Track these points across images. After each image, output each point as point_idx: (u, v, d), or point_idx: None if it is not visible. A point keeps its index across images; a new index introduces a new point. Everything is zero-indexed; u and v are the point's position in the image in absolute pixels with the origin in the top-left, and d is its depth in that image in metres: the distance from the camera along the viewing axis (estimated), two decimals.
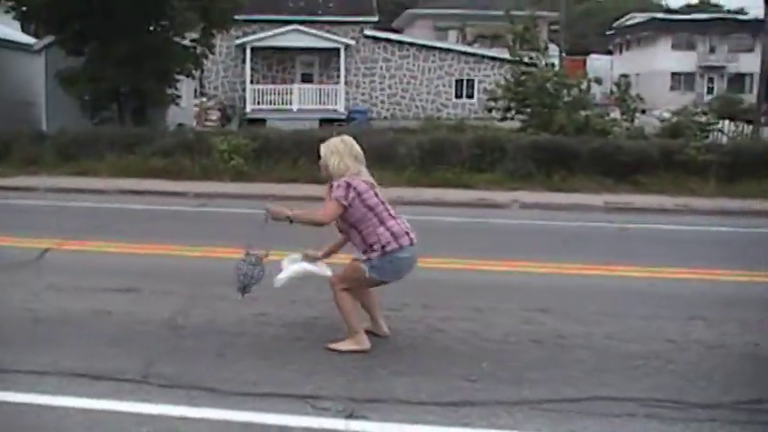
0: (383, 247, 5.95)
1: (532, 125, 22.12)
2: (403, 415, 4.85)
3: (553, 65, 25.54)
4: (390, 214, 6.12)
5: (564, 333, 6.74)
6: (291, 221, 6.04)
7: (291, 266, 6.51)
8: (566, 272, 9.35)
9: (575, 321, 7.12)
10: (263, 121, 34.88)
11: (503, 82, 25.30)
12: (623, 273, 9.34)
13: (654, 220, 14.28)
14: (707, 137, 21.56)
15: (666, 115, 23.47)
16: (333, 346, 6.09)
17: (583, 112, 22.02)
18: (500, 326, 6.91)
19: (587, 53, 75.81)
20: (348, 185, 5.97)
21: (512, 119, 24.04)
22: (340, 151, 6.18)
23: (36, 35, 33.87)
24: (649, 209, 15.58)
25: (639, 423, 4.85)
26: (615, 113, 23.84)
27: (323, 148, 6.26)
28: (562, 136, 20.04)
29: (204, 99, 38.55)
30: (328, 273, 6.44)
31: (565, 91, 22.32)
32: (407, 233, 6.09)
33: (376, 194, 6.11)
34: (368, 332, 6.27)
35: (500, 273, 9.25)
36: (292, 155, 18.76)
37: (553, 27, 48.79)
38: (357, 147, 6.26)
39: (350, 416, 4.80)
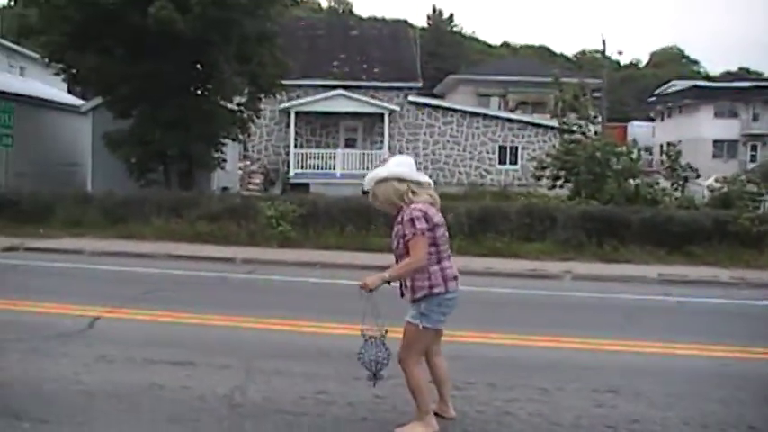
0: (431, 287, 5.69)
1: (581, 194, 21.83)
2: None
3: (596, 132, 25.38)
4: (448, 254, 5.89)
5: (638, 417, 6.44)
6: (390, 282, 5.72)
7: None
8: (630, 349, 9.00)
9: (647, 404, 6.80)
10: (306, 185, 34.90)
11: (551, 150, 25.16)
12: (690, 351, 8.98)
13: (710, 294, 13.88)
14: (758, 207, 21.19)
15: (716, 185, 23.10)
16: (401, 430, 5.79)
17: (632, 181, 21.78)
18: (570, 409, 6.60)
19: (627, 120, 75.88)
20: (425, 215, 5.70)
21: (561, 187, 23.80)
22: (391, 175, 5.91)
23: (83, 97, 34.38)
24: (705, 281, 15.20)
25: None
26: (661, 181, 23.54)
27: (373, 181, 5.97)
28: (612, 205, 19.78)
29: (248, 162, 38.70)
30: None
31: (614, 159, 22.09)
32: (455, 277, 5.88)
33: (444, 228, 5.90)
34: (435, 414, 5.98)
35: (562, 350, 8.94)
36: (339, 222, 18.68)
37: (594, 94, 48.78)
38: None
39: None
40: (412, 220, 5.64)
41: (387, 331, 5.80)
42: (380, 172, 5.93)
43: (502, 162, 41.40)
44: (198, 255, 16.68)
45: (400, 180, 5.82)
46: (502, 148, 41.45)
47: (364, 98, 39.05)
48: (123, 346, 8.28)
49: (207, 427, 5.87)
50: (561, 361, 8.41)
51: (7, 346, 8.15)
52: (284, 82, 28.27)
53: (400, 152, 40.01)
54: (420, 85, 42.07)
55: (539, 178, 24.85)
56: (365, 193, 6.06)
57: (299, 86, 38.40)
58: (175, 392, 6.75)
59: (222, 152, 26.26)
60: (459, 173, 40.89)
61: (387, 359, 5.78)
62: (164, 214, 19.90)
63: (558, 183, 23.80)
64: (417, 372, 5.84)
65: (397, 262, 5.84)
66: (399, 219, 5.80)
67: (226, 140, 26.30)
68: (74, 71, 24.41)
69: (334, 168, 37.39)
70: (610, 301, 12.90)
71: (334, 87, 39.16)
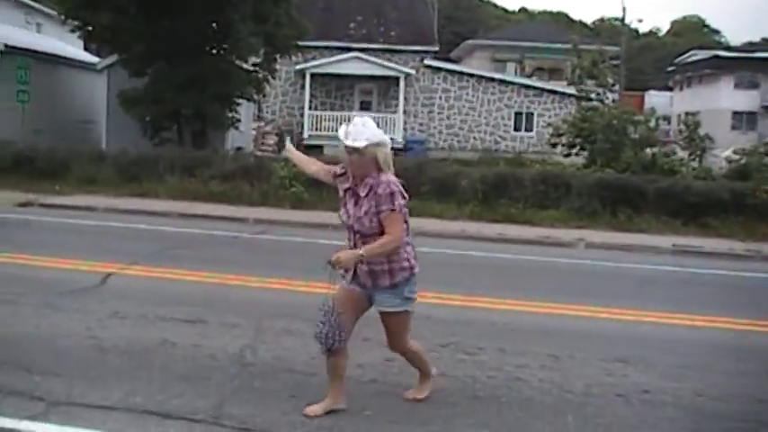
0: (411, 268, 5.28)
1: (597, 162, 21.68)
2: None
3: (614, 101, 25.21)
4: None
5: (649, 387, 6.39)
6: (363, 261, 5.20)
7: None
8: (642, 319, 8.95)
9: (659, 375, 6.77)
10: (320, 147, 34.79)
11: (567, 117, 24.98)
12: (703, 323, 8.93)
13: (725, 266, 13.75)
14: None
15: (734, 156, 22.90)
16: (411, 395, 5.78)
17: (649, 150, 21.62)
18: (581, 377, 6.58)
19: (645, 89, 75.23)
20: (400, 190, 5.13)
21: (576, 155, 23.66)
22: (386, 141, 5.19)
23: (98, 54, 34.30)
24: (719, 253, 15.07)
25: None
26: (678, 151, 23.35)
27: (361, 134, 5.06)
28: (628, 174, 19.63)
29: (262, 123, 38.61)
30: None
31: (632, 128, 21.92)
32: None
33: None
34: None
35: (573, 317, 8.89)
36: None
37: (613, 62, 48.36)
38: None
39: None
40: (392, 194, 5.07)
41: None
42: (377, 133, 5.10)
43: (517, 128, 41.14)
44: (210, 214, 16.67)
45: (388, 148, 5.27)
46: (517, 115, 41.18)
47: (380, 61, 38.80)
48: (136, 303, 8.30)
49: (217, 385, 5.86)
50: (572, 329, 8.39)
51: (20, 300, 8.18)
52: (300, 43, 28.16)
53: (415, 116, 39.89)
54: (436, 48, 41.79)
55: (554, 145, 24.75)
56: (353, 150, 5.06)
57: (315, 48, 38.12)
58: (187, 350, 6.76)
59: (236, 112, 26.20)
60: (474, 138, 40.69)
61: (341, 337, 5.29)
62: (177, 173, 19.89)
63: (574, 150, 23.67)
64: (413, 345, 5.66)
65: (356, 244, 5.26)
66: (365, 192, 5.15)
67: (240, 100, 26.23)
68: (89, 28, 24.35)
69: None
70: (623, 271, 12.85)
71: (350, 49, 38.94)
